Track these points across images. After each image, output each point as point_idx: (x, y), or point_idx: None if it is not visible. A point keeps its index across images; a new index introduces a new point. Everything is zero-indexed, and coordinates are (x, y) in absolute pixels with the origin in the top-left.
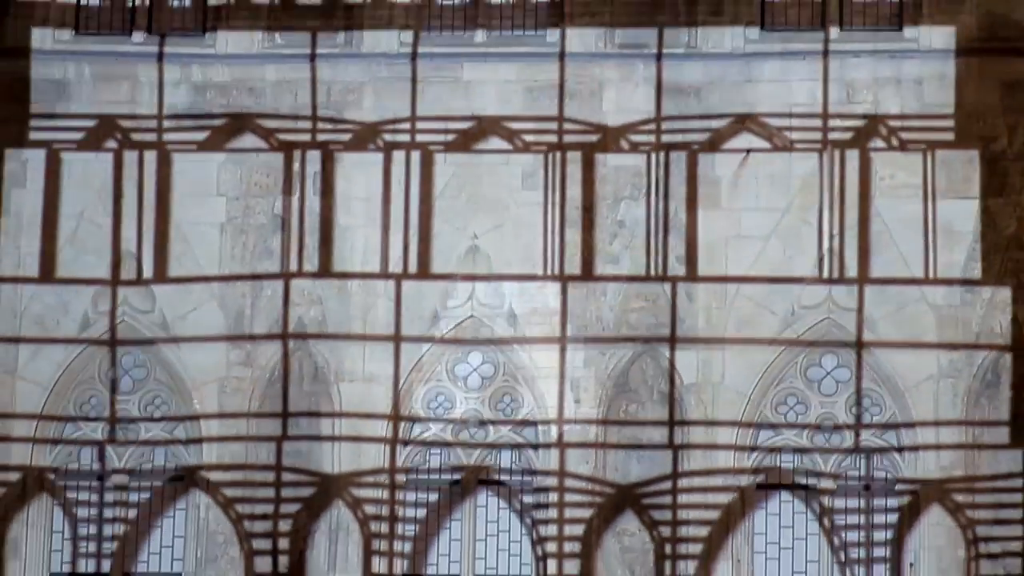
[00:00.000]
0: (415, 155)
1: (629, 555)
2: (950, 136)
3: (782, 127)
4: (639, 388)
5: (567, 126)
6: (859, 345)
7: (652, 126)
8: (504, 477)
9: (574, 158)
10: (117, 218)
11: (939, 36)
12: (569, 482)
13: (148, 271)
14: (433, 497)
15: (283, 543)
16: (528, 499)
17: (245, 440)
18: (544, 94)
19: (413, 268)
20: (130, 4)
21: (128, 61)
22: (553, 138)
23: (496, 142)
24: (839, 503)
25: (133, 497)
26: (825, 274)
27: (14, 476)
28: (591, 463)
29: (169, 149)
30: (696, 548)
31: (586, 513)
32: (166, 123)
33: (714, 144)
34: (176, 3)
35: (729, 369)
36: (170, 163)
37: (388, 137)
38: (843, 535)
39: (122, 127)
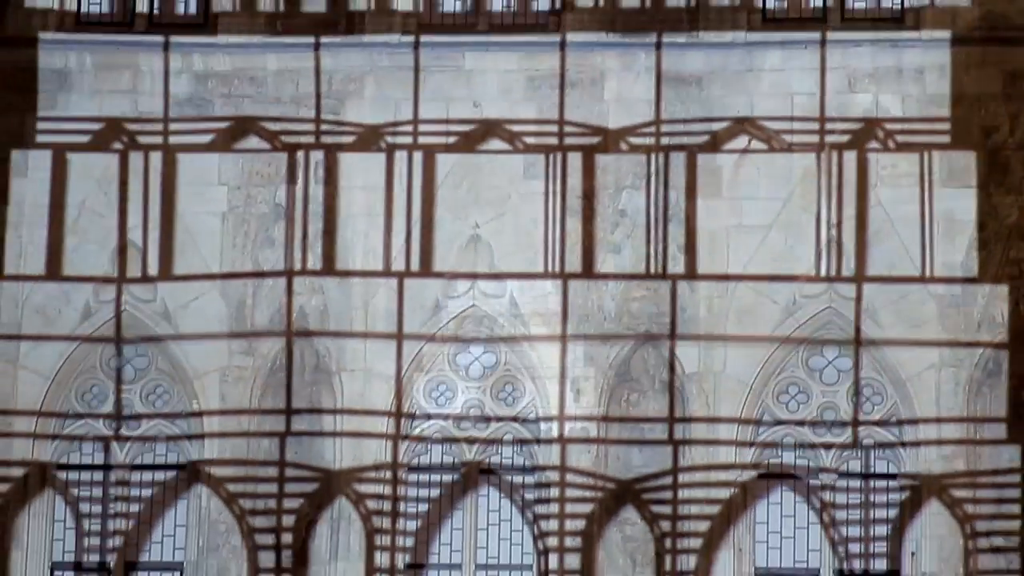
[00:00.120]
0: (417, 155)
1: (631, 544)
2: (946, 139)
3: (781, 130)
4: (640, 377)
5: (568, 128)
6: (857, 344)
7: (652, 128)
8: (505, 473)
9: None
10: (123, 214)
11: (940, 25)
12: (570, 477)
13: (152, 261)
14: (435, 492)
15: (286, 537)
16: (529, 495)
17: (248, 436)
18: (545, 83)
19: (415, 257)
20: None
21: (129, 51)
22: (554, 140)
23: (497, 143)
24: (839, 498)
25: (135, 492)
26: (824, 264)
27: (17, 472)
28: (592, 453)
29: (173, 151)
30: (696, 543)
31: (587, 508)
32: (171, 126)
33: (714, 146)
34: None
35: (730, 358)
36: (174, 158)
37: (390, 139)
38: (844, 530)
39: (128, 130)
